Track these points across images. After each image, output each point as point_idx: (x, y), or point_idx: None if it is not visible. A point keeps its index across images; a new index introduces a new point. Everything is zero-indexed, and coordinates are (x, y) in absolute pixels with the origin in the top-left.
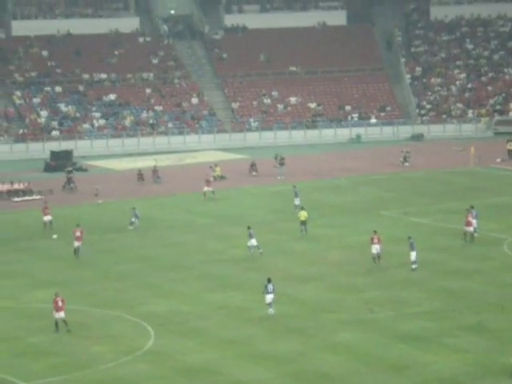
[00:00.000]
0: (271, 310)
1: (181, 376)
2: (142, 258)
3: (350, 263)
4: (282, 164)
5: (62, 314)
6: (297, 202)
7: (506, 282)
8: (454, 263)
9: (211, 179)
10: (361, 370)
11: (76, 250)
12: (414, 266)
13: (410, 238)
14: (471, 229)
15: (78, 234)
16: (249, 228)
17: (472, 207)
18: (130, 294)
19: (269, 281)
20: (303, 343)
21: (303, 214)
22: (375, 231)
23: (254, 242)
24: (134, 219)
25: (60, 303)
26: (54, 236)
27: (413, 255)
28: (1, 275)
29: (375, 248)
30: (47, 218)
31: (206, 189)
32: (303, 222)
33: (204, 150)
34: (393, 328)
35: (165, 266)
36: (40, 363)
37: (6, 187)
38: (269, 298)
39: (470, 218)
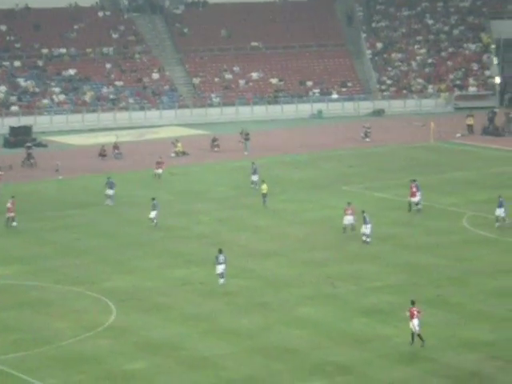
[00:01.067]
0: (222, 280)
1: (143, 351)
2: (104, 234)
3: (312, 238)
4: (247, 139)
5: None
6: (255, 178)
7: (465, 256)
8: (414, 237)
9: (160, 160)
10: (324, 344)
11: (7, 221)
12: (368, 239)
13: (363, 212)
14: (416, 199)
15: (8, 205)
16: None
17: (414, 180)
18: (91, 270)
19: (220, 251)
20: (266, 318)
21: (264, 187)
22: (349, 203)
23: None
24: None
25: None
26: (14, 223)
27: (367, 228)
28: None
29: (347, 219)
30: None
31: (156, 171)
32: (264, 195)
33: (165, 125)
34: (355, 302)
35: (127, 242)
36: (1, 339)
37: None
38: (220, 268)
39: (414, 189)
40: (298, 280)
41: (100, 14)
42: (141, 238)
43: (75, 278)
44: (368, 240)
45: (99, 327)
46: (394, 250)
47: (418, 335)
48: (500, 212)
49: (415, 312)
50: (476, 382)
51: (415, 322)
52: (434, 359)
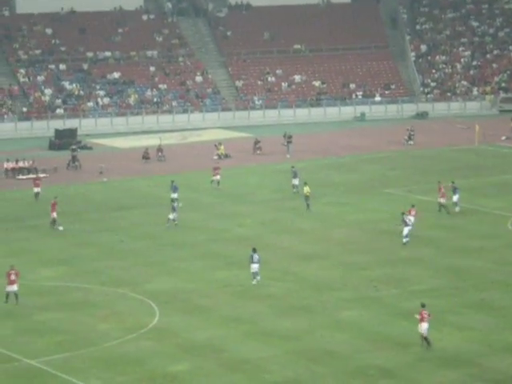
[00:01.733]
0: (257, 279)
1: (185, 353)
2: (147, 236)
3: (354, 241)
4: (289, 142)
5: (14, 288)
6: (295, 181)
7: (510, 260)
8: (458, 241)
9: (218, 165)
10: (365, 348)
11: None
12: (404, 240)
13: (403, 213)
14: (443, 200)
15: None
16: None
17: (453, 182)
18: (134, 271)
19: (254, 251)
20: (308, 321)
21: (307, 190)
22: (413, 205)
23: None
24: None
25: (13, 277)
26: (61, 228)
27: (405, 230)
28: (6, 253)
29: (409, 218)
30: (37, 189)
31: (214, 178)
32: (307, 197)
33: (208, 128)
34: (397, 305)
35: (170, 244)
36: (45, 340)
37: (10, 165)
38: (254, 267)
39: (443, 190)
40: (340, 283)
41: (144, 17)
42: (183, 240)
43: (119, 280)
44: (405, 241)
45: (142, 329)
46: (437, 253)
47: (425, 338)
48: (455, 199)
49: (425, 315)
50: None
51: (424, 325)
52: (477, 363)
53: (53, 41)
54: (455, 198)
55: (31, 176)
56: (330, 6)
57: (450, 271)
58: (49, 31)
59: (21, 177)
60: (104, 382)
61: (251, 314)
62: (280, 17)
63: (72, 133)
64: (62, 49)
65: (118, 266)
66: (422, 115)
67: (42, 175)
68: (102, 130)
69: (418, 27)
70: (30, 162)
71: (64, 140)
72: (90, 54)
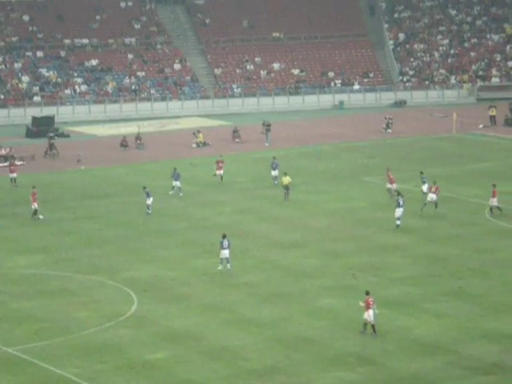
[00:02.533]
0: (228, 265)
1: (164, 341)
2: (125, 224)
3: (333, 229)
4: (268, 130)
5: None
6: (274, 173)
7: (487, 248)
8: (435, 229)
9: (221, 159)
10: (343, 335)
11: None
12: (398, 222)
13: (398, 194)
14: (391, 186)
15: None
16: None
17: (421, 173)
18: (112, 259)
19: (224, 236)
20: (286, 308)
21: (286, 179)
22: (435, 181)
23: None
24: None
25: None
26: (41, 216)
27: (398, 212)
28: None
29: (430, 196)
30: (12, 175)
31: (217, 172)
32: (286, 187)
33: (187, 116)
34: (375, 293)
35: (148, 232)
36: (22, 328)
37: None
38: (224, 253)
39: (392, 176)
40: (318, 271)
41: (122, 4)
42: (162, 228)
43: (97, 268)
44: (398, 223)
45: (120, 317)
46: (415, 241)
47: (372, 326)
48: (425, 188)
49: (371, 302)
50: (497, 373)
51: (371, 312)
52: (455, 351)
53: (30, 28)
54: (424, 187)
55: (9, 164)
56: None
57: (428, 259)
58: (26, 18)
59: None
60: (82, 370)
61: (230, 302)
62: (259, 4)
63: (49, 120)
64: (40, 36)
65: (96, 254)
66: (400, 103)
67: (19, 163)
68: (80, 118)
69: (396, 15)
70: (7, 150)
71: (41, 128)
72: (67, 41)
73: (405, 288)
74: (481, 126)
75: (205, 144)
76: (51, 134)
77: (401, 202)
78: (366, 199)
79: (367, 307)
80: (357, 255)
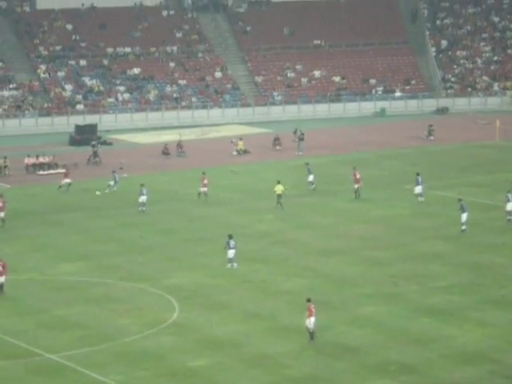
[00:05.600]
0: (235, 264)
1: (205, 349)
2: (167, 232)
3: (374, 237)
4: (301, 139)
5: (1, 279)
6: (310, 178)
7: None
8: (478, 237)
9: (205, 183)
10: (386, 344)
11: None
12: (463, 227)
13: (460, 200)
14: (357, 186)
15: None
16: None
17: (418, 174)
18: (154, 267)
19: (230, 237)
20: (328, 316)
21: (279, 188)
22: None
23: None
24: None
25: (0, 268)
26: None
27: (463, 216)
28: (27, 248)
29: (510, 206)
30: (67, 180)
31: (201, 189)
32: (279, 196)
33: (227, 123)
34: (417, 301)
35: (189, 239)
36: (66, 335)
37: (31, 161)
38: (231, 253)
39: (358, 176)
40: (360, 279)
41: (164, 13)
42: (203, 236)
43: (139, 275)
44: (463, 228)
45: (162, 324)
46: (457, 249)
47: (311, 333)
48: (418, 190)
49: (313, 309)
50: None
51: (312, 319)
52: (498, 360)
53: (73, 36)
54: (418, 189)
55: (52, 172)
56: (349, 1)
57: (471, 267)
58: (69, 27)
59: (41, 172)
60: (124, 377)
61: (271, 310)
62: (299, 12)
63: (92, 128)
64: (83, 45)
65: (138, 261)
66: (442, 111)
67: (62, 170)
68: (122, 126)
69: (438, 22)
70: (51, 158)
71: (84, 136)
72: (110, 50)
73: (447, 296)
74: None
75: (245, 151)
76: (94, 142)
77: (465, 207)
78: (408, 207)
79: (310, 314)
80: (398, 263)
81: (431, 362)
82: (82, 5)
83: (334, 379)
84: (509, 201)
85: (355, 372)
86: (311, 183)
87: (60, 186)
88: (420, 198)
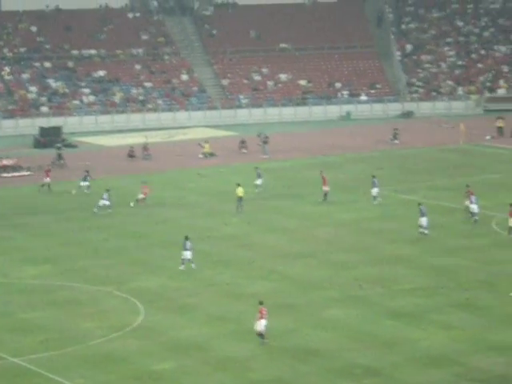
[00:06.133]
0: (193, 265)
1: (170, 352)
2: (132, 235)
3: (340, 240)
4: (265, 142)
5: None
6: (258, 182)
7: (495, 259)
8: (443, 240)
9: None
10: (350, 346)
11: None
12: (425, 231)
13: (419, 204)
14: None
15: None
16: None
17: (373, 176)
18: (120, 270)
19: (186, 238)
20: (293, 320)
21: (240, 190)
22: (468, 185)
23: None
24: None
25: None
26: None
27: (423, 220)
28: None
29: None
30: (47, 180)
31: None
32: (240, 198)
33: (194, 126)
34: (383, 305)
35: (155, 242)
36: (30, 339)
37: None
38: (186, 254)
39: (326, 177)
40: (325, 282)
41: (130, 15)
42: (169, 239)
43: (104, 279)
44: (426, 232)
45: (127, 327)
46: (423, 252)
47: (260, 334)
48: (374, 192)
49: (264, 312)
50: None
51: (263, 322)
52: (462, 363)
53: (38, 38)
54: (374, 191)
55: (16, 174)
56: (315, 5)
57: (436, 270)
58: (34, 29)
59: (5, 175)
60: (88, 381)
61: (236, 313)
62: (266, 15)
63: (57, 131)
64: (47, 46)
65: (103, 264)
66: (407, 114)
67: (26, 173)
68: (87, 128)
69: (403, 26)
70: (15, 160)
71: (49, 138)
72: (75, 52)
73: (412, 299)
74: (488, 137)
75: (212, 154)
76: (59, 145)
77: (424, 211)
78: (373, 210)
79: (260, 317)
80: (364, 266)
81: (396, 365)
82: (47, 6)
83: (298, 382)
84: (471, 203)
85: (320, 375)
86: (258, 186)
87: (43, 185)
88: (376, 201)
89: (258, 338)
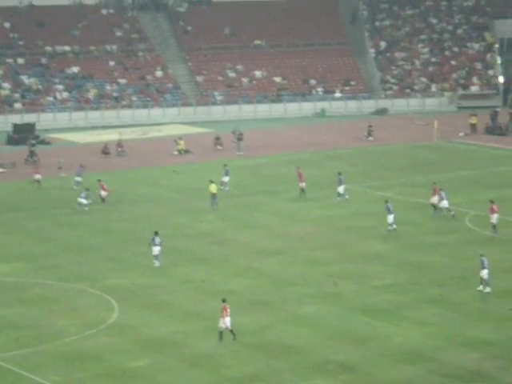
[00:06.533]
0: (157, 262)
1: (145, 349)
2: (106, 232)
3: (315, 237)
4: (240, 139)
5: None
6: (225, 179)
7: (468, 256)
8: (417, 237)
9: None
10: (325, 343)
11: None
12: (394, 226)
13: (386, 201)
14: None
15: None
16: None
17: (339, 173)
18: (93, 267)
19: (156, 233)
20: (267, 316)
21: (213, 187)
22: (434, 183)
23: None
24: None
25: None
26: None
27: (390, 218)
28: None
29: (433, 199)
30: (37, 176)
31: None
32: (214, 195)
33: (168, 123)
34: (356, 301)
35: (129, 239)
36: (3, 336)
37: None
38: (156, 250)
39: (302, 174)
40: (300, 278)
41: (104, 11)
42: (143, 236)
43: (78, 276)
44: (394, 226)
45: (101, 325)
46: (396, 248)
47: (231, 331)
48: (341, 189)
49: (227, 310)
50: (478, 380)
51: (227, 319)
52: (436, 358)
53: (11, 35)
54: (341, 188)
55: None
56: (290, 2)
57: (409, 267)
58: (7, 25)
59: None
60: (63, 378)
61: (211, 310)
62: (240, 12)
63: (30, 127)
64: (21, 43)
65: (77, 261)
66: (381, 111)
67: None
68: (61, 125)
69: (377, 24)
70: None
71: (22, 135)
72: (48, 49)
73: (386, 295)
74: (461, 134)
75: (187, 151)
76: (32, 141)
77: (391, 208)
78: (348, 207)
79: (225, 315)
80: (338, 263)
81: (370, 361)
82: (20, 3)
83: (273, 379)
84: (443, 198)
85: (295, 371)
86: (224, 184)
87: (38, 181)
88: (341, 198)
89: (220, 336)
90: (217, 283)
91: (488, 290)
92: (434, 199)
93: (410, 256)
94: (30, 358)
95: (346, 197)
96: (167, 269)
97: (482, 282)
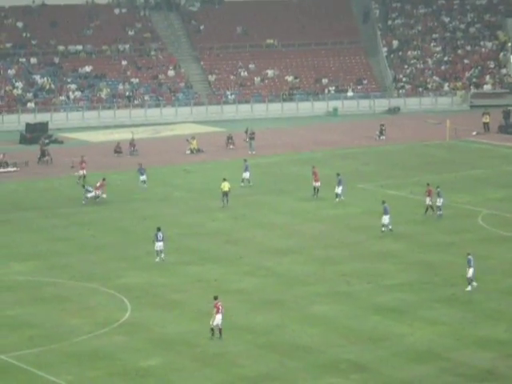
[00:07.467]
0: (161, 257)
1: (157, 348)
2: (119, 231)
3: (327, 236)
4: (252, 138)
5: None
6: (246, 175)
7: (480, 255)
8: (429, 236)
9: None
10: (337, 342)
11: None
12: (389, 227)
13: (383, 202)
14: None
15: None
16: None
17: (338, 174)
18: (106, 266)
19: (158, 229)
20: (280, 315)
21: (226, 185)
22: (428, 184)
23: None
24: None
25: None
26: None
27: (385, 218)
28: None
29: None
30: (82, 172)
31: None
32: (225, 193)
33: (181, 122)
34: (369, 300)
35: (142, 238)
36: (17, 335)
37: None
38: (159, 245)
39: (318, 175)
40: (312, 278)
41: (116, 11)
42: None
43: (90, 275)
44: (390, 227)
45: (114, 323)
46: (409, 248)
47: (220, 330)
48: (339, 190)
49: (220, 307)
50: (491, 380)
51: (219, 317)
52: (448, 358)
53: (24, 34)
54: (339, 189)
55: (2, 170)
56: (302, 1)
57: (422, 266)
58: (20, 24)
59: None
60: (75, 377)
61: (224, 309)
62: (253, 11)
63: (43, 127)
64: (33, 42)
65: (90, 260)
66: (393, 110)
67: (12, 169)
68: (74, 124)
69: (389, 22)
70: (1, 156)
71: (35, 134)
72: (61, 48)
73: (398, 295)
74: (474, 132)
75: (199, 150)
76: (45, 141)
77: (387, 209)
78: (360, 206)
79: (217, 312)
80: (350, 262)
81: (382, 360)
82: (33, 2)
83: (286, 378)
84: (439, 196)
85: (307, 370)
86: (246, 180)
87: (83, 177)
88: (338, 199)
89: (214, 334)
90: (229, 282)
91: (469, 288)
92: (428, 200)
93: (423, 255)
94: (43, 356)
95: (342, 198)
96: (179, 268)
97: (468, 280)
